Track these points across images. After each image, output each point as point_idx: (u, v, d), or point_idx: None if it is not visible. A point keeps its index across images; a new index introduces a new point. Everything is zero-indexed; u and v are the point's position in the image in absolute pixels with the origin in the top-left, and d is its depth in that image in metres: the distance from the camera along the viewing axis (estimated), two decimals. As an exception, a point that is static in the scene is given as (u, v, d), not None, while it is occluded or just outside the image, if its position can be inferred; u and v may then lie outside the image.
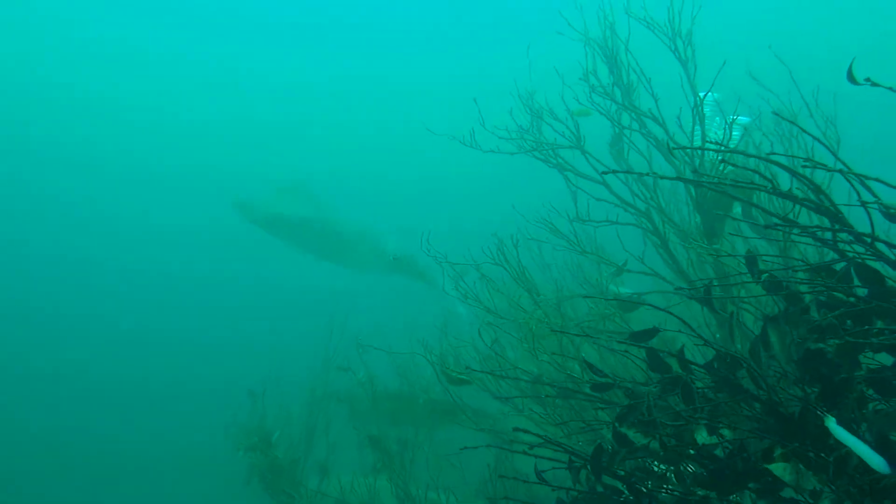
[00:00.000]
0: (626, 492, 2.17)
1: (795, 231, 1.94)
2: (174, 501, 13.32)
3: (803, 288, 1.96)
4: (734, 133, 4.51)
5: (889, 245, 1.82)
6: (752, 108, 4.52)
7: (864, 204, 1.83)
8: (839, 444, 1.88)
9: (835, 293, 1.90)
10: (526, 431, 2.40)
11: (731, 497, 2.06)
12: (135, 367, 19.61)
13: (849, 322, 1.89)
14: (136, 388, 18.50)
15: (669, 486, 2.13)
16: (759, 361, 1.95)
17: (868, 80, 1.80)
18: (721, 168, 4.35)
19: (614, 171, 2.50)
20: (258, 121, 28.59)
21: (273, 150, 27.66)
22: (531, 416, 4.78)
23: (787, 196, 1.88)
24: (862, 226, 2.02)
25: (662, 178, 2.00)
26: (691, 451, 2.06)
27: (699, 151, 4.85)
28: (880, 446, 1.80)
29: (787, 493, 2.04)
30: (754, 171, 2.25)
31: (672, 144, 4.90)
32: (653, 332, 2.21)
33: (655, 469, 2.13)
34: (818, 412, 1.86)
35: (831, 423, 1.91)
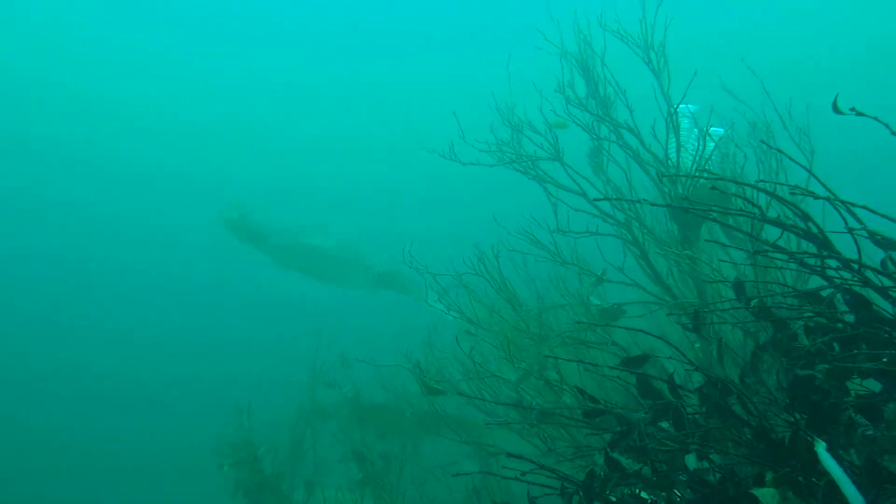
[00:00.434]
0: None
1: (783, 257, 1.96)
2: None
3: (791, 313, 1.98)
4: (710, 144, 4.57)
5: (876, 271, 1.84)
6: (730, 120, 4.59)
7: (850, 230, 1.85)
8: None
9: (821, 319, 1.92)
10: (519, 457, 2.39)
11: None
12: (125, 369, 19.44)
13: (836, 347, 1.91)
14: (125, 389, 18.37)
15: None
16: (749, 387, 1.96)
17: (853, 109, 1.83)
18: (696, 182, 4.40)
19: (608, 199, 2.50)
20: (242, 124, 28.41)
21: (255, 154, 27.52)
22: (513, 428, 4.79)
23: (776, 223, 1.90)
24: (842, 249, 2.05)
25: (653, 204, 2.00)
26: (682, 477, 2.07)
27: (674, 160, 4.91)
28: (870, 471, 1.82)
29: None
30: (736, 182, 2.27)
31: (646, 153, 4.95)
32: (644, 359, 2.22)
33: (646, 496, 2.13)
34: (808, 438, 1.88)
35: (821, 449, 1.94)
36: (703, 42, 19.02)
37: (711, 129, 4.62)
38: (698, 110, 4.62)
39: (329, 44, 28.22)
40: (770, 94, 4.04)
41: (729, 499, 2.05)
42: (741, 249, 2.29)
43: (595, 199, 2.26)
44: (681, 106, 4.54)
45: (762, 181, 1.90)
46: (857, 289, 1.87)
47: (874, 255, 1.92)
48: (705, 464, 2.07)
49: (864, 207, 1.83)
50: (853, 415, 1.88)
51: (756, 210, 1.90)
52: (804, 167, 1.98)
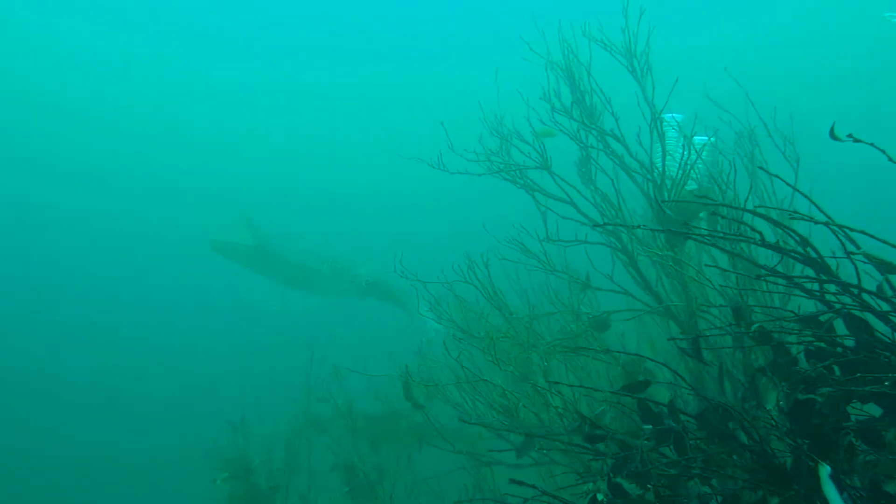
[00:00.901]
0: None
1: (782, 282, 1.97)
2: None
3: (792, 338, 1.99)
4: (697, 152, 4.59)
5: (875, 295, 1.85)
6: (716, 128, 4.62)
7: (849, 255, 1.86)
8: (832, 493, 1.90)
9: (821, 344, 1.92)
10: (521, 483, 2.37)
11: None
12: (112, 379, 19.26)
13: (837, 371, 1.92)
14: (114, 400, 18.22)
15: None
16: (750, 413, 1.97)
17: (850, 136, 1.84)
18: (682, 189, 4.43)
19: (606, 224, 2.49)
20: (232, 128, 28.22)
21: (242, 159, 27.34)
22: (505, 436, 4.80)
23: (776, 248, 1.90)
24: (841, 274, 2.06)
25: (653, 230, 2.00)
26: (686, 502, 2.07)
27: (659, 169, 4.92)
28: (872, 496, 1.83)
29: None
30: (732, 207, 2.27)
31: (632, 160, 4.97)
32: (645, 385, 2.22)
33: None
34: (810, 462, 1.89)
35: (824, 473, 1.95)
36: (692, 54, 19.22)
37: (695, 137, 4.64)
38: (685, 119, 4.65)
39: (317, 50, 28.07)
40: (756, 103, 4.07)
41: (732, 523, 2.05)
42: (744, 275, 2.29)
43: (595, 225, 2.26)
44: (668, 115, 4.57)
45: (761, 206, 1.91)
46: (856, 312, 1.88)
47: (870, 279, 1.94)
48: (707, 489, 2.08)
49: (861, 232, 1.83)
50: (854, 440, 1.89)
51: (757, 235, 1.90)
52: (804, 194, 1.99)
